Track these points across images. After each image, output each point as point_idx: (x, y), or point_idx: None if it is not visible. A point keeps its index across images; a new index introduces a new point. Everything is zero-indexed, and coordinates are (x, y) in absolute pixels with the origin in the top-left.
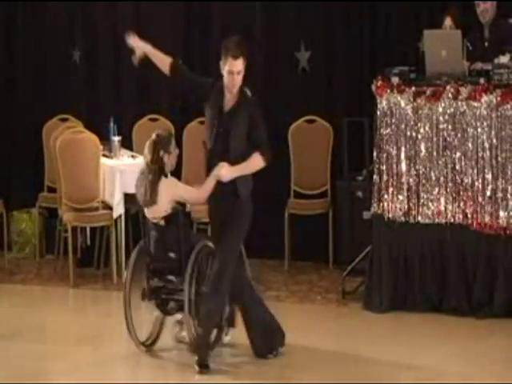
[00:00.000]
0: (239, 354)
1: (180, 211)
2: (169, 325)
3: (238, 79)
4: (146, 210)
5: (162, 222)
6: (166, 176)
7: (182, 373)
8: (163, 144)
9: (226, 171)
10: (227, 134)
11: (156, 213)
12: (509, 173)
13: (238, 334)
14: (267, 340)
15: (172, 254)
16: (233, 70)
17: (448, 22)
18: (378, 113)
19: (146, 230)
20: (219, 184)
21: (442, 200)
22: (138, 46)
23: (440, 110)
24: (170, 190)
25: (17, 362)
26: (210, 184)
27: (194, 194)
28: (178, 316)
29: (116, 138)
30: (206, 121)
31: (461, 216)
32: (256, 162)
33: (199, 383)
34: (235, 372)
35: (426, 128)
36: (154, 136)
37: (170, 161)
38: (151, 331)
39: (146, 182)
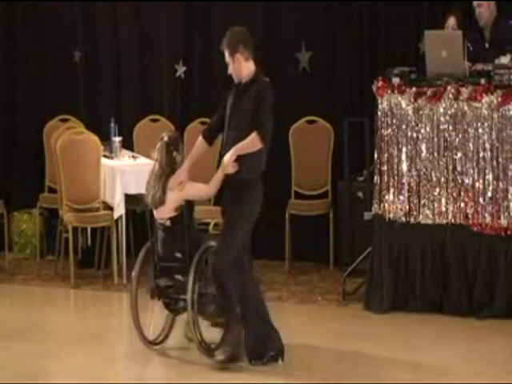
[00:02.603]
0: None
1: (184, 211)
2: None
3: (233, 69)
4: (154, 210)
5: (168, 223)
6: None
7: (184, 372)
8: (175, 145)
9: (226, 158)
10: (234, 117)
11: (164, 213)
12: (509, 173)
13: None
14: (258, 347)
15: (178, 254)
16: (226, 60)
17: (452, 21)
18: (379, 113)
19: (154, 230)
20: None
21: (443, 200)
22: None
23: (441, 110)
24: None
25: (17, 362)
26: (218, 177)
27: (204, 189)
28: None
29: (117, 139)
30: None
31: (461, 216)
32: (252, 142)
33: (200, 383)
34: (235, 372)
35: (427, 128)
36: (165, 138)
37: (180, 161)
38: (161, 330)
39: (158, 183)
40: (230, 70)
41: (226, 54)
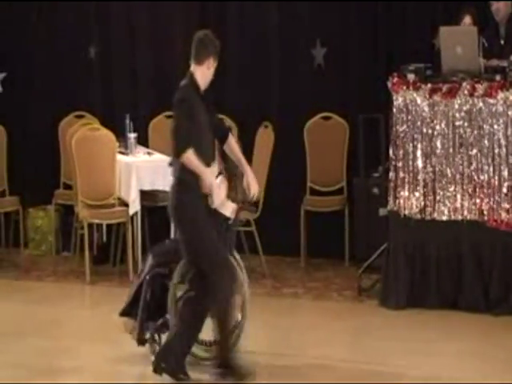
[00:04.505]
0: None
1: None
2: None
3: (209, 76)
4: None
5: None
6: None
7: (194, 372)
8: None
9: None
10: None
11: None
12: None
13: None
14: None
15: None
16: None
17: (468, 20)
18: (394, 110)
19: None
20: None
21: (458, 197)
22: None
23: (456, 106)
24: None
25: (32, 358)
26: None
27: None
28: None
29: (132, 135)
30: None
31: (477, 213)
32: None
33: (208, 383)
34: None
35: (442, 125)
36: None
37: None
38: None
39: None
40: (210, 77)
41: (213, 61)
